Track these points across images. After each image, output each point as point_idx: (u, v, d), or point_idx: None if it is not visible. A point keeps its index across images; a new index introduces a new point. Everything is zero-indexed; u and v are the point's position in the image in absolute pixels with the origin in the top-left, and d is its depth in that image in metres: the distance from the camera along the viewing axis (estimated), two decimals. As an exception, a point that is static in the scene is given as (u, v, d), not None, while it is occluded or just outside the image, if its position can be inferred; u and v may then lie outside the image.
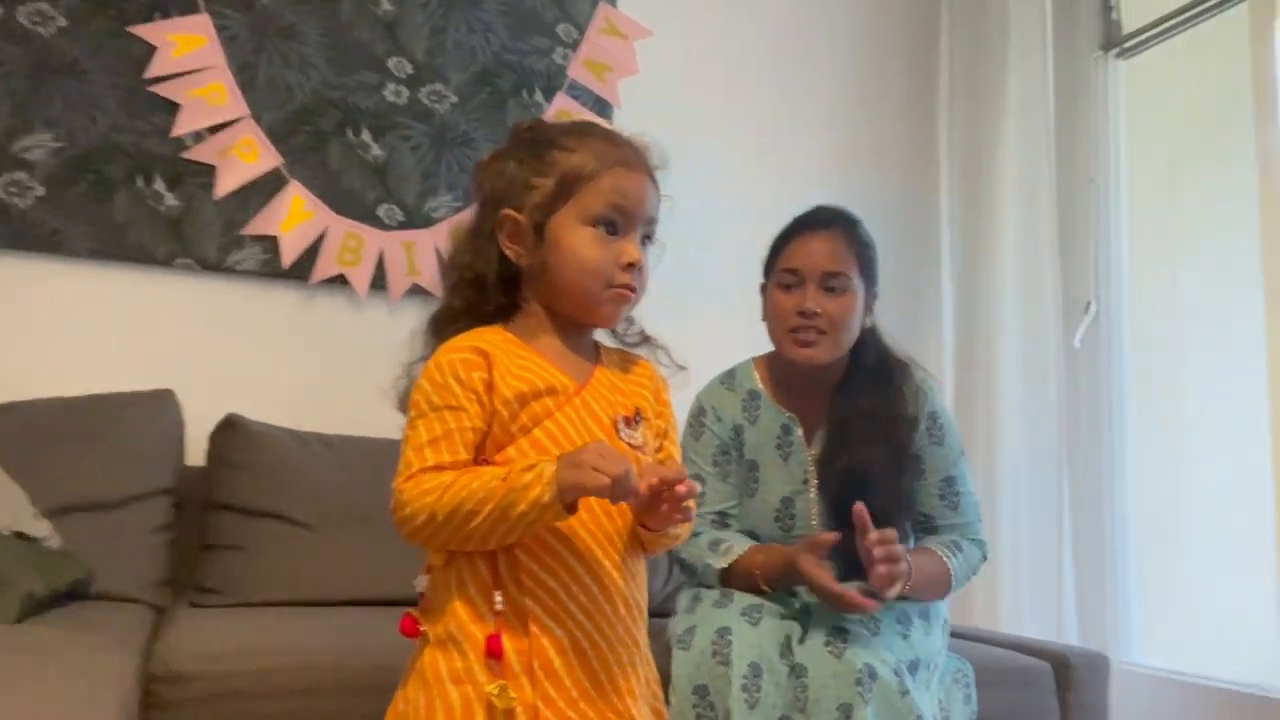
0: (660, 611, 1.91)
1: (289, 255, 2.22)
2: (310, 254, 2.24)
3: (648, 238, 1.09)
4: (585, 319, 1.09)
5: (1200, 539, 2.86)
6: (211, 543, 1.81)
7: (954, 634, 1.67)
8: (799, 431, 1.62)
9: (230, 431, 1.93)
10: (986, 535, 1.65)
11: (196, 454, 2.00)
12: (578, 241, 1.04)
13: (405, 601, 1.76)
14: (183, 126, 2.16)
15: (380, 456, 2.02)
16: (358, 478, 1.94)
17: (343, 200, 2.28)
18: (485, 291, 1.07)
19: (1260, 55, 2.88)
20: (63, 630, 1.35)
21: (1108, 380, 2.68)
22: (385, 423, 2.23)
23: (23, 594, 1.32)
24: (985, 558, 1.63)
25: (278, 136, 2.24)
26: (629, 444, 1.06)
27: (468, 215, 1.14)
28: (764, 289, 1.65)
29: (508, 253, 1.06)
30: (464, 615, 0.99)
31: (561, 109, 2.46)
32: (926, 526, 1.61)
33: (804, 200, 2.04)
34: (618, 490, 0.93)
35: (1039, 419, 2.58)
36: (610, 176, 1.04)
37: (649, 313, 1.21)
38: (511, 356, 1.04)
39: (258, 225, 2.21)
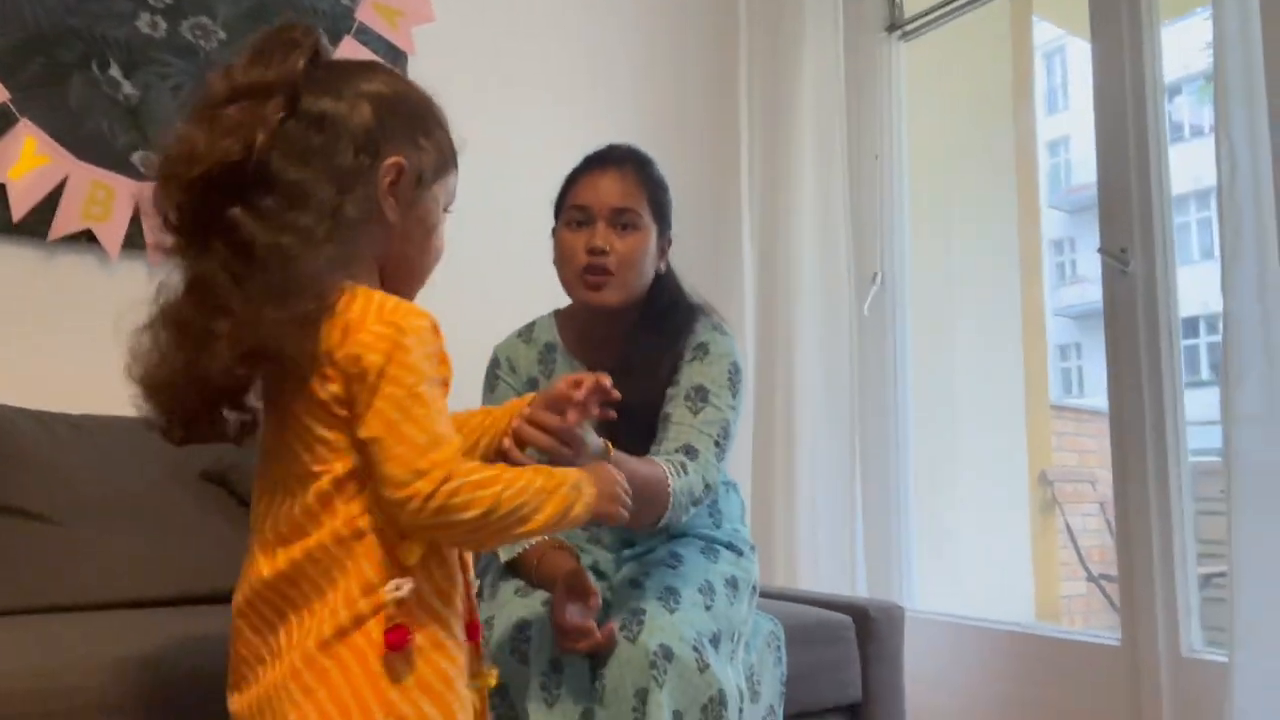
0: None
1: (20, 207, 1.90)
2: (48, 206, 1.93)
3: None
4: (404, 294, 1.01)
5: (967, 493, 3.11)
6: (-73, 545, 1.52)
7: (761, 594, 1.67)
8: None
9: (-51, 413, 1.63)
10: (718, 472, 1.43)
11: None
12: (438, 224, 1.05)
13: (174, 601, 1.58)
14: (-124, 49, 1.79)
15: (140, 438, 1.77)
16: (113, 464, 1.69)
17: (87, 144, 1.98)
18: (350, 242, 0.96)
19: (1019, 44, 3.10)
20: None
21: (892, 346, 2.83)
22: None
23: None
24: (710, 487, 1.41)
25: (4, 69, 1.90)
26: None
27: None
28: (555, 232, 1.56)
29: (384, 205, 0.98)
30: (445, 609, 0.94)
31: (351, 54, 2.26)
32: (664, 431, 1.45)
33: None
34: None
35: (833, 383, 2.69)
36: (456, 173, 1.07)
37: (451, 270, 1.20)
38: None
39: (-21, 171, 1.88)
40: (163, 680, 1.14)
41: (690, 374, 1.48)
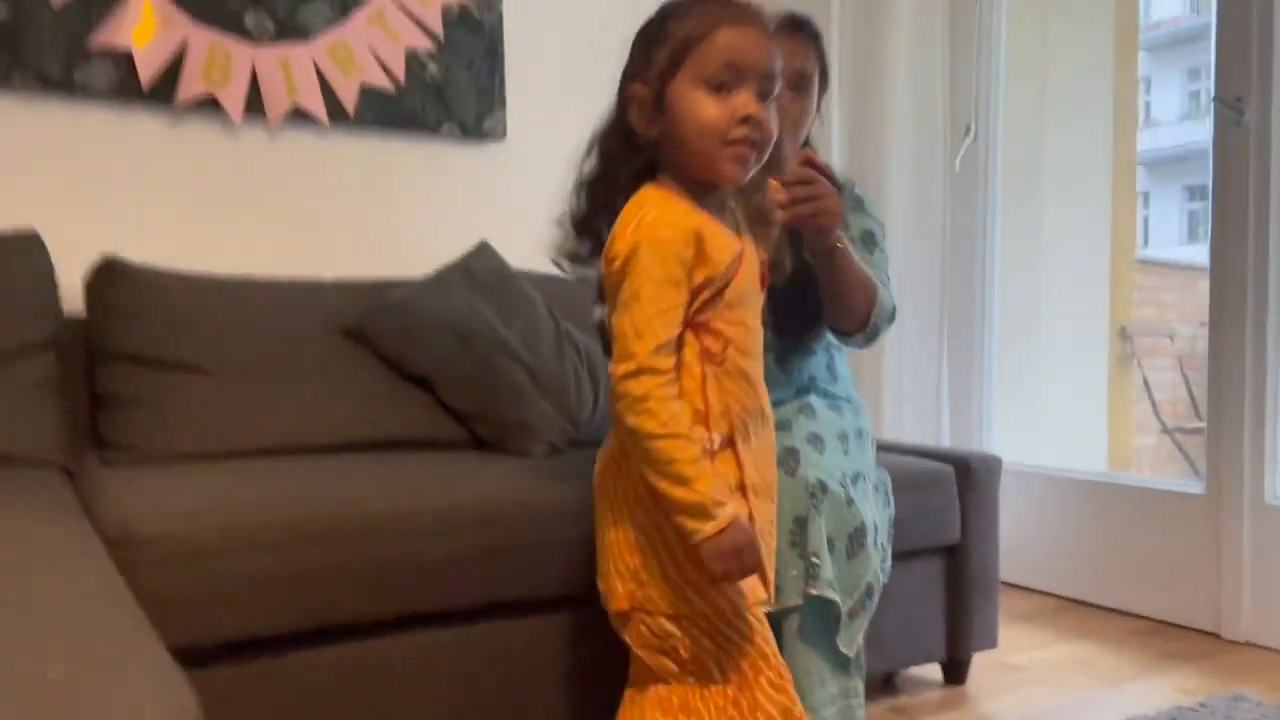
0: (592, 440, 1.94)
1: (147, 72, 1.95)
2: (171, 71, 1.98)
3: (766, 94, 1.06)
4: (711, 179, 1.07)
5: (1049, 347, 3.14)
6: (108, 397, 1.66)
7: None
8: None
9: (111, 275, 1.73)
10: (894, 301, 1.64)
11: (69, 301, 1.79)
12: (693, 103, 1.04)
13: (331, 448, 1.71)
14: (-2, -86, 1.81)
15: (282, 298, 1.89)
16: (262, 321, 1.80)
17: (203, 7, 2.00)
18: (615, 165, 1.09)
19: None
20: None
21: (982, 201, 2.80)
22: (279, 260, 2.10)
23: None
24: (895, 312, 1.63)
25: (117, -71, 1.92)
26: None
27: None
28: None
29: (635, 126, 1.06)
30: None
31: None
32: None
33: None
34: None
35: (923, 239, 2.70)
36: (719, 35, 1.03)
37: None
38: (711, 229, 1.07)
39: (106, 36, 1.91)
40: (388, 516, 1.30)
41: (856, 222, 1.66)
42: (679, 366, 1.06)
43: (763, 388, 1.17)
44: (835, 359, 1.72)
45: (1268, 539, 2.15)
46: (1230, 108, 2.19)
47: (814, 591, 1.34)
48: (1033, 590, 2.62)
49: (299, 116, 2.11)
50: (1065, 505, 2.57)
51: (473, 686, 1.35)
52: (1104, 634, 2.26)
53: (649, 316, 1.02)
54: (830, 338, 1.67)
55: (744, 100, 1.03)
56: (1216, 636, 2.22)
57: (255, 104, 2.06)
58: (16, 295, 1.66)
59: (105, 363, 1.69)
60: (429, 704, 1.31)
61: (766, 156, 1.09)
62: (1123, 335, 3.56)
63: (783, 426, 1.50)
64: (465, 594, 1.32)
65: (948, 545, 1.88)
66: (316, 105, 2.12)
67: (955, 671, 1.93)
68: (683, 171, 1.08)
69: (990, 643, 1.94)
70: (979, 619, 1.91)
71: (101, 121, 1.94)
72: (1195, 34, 13.43)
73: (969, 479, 1.90)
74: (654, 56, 1.06)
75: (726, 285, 1.07)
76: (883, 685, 1.94)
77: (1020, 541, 2.64)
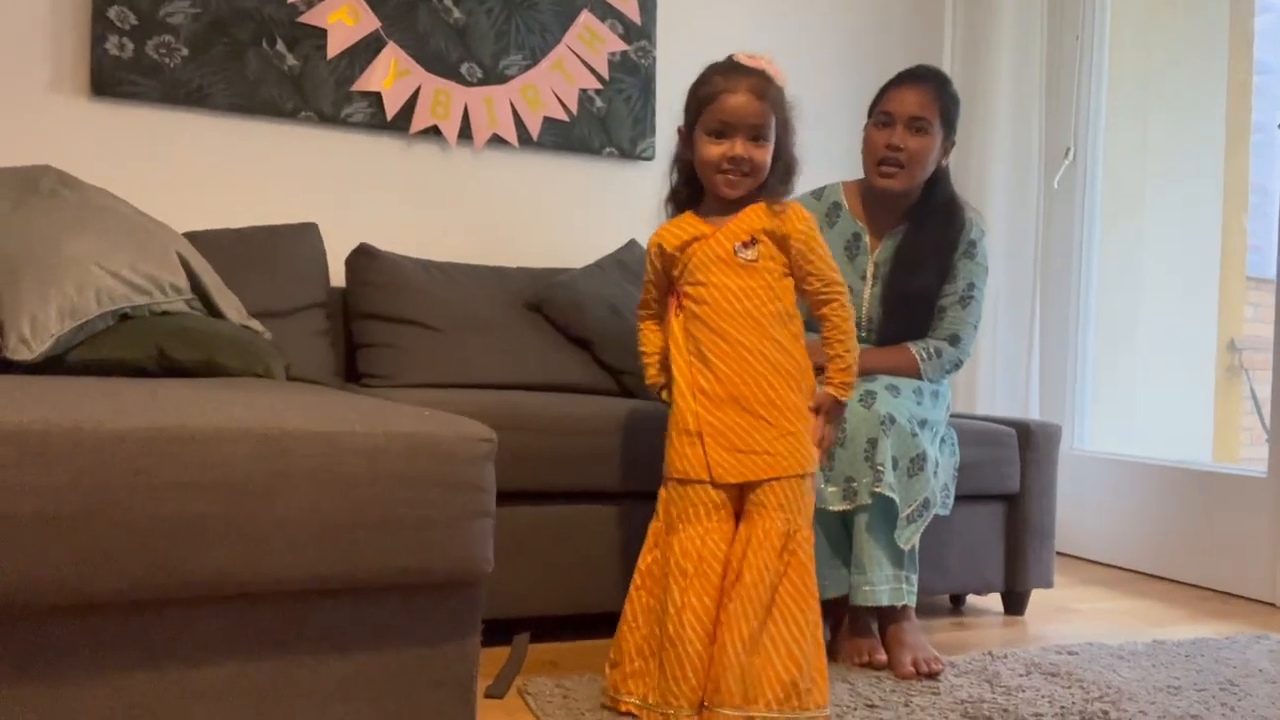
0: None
1: (391, 109, 2.59)
2: (408, 108, 2.61)
3: (756, 136, 1.52)
4: (715, 193, 1.56)
5: (1150, 356, 3.39)
6: (363, 343, 2.28)
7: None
8: (867, 239, 2.05)
9: (364, 257, 2.36)
10: (972, 347, 2.04)
11: (334, 275, 2.44)
12: (701, 144, 1.55)
13: (518, 386, 2.27)
14: (294, -7, 2.49)
15: (481, 278, 2.47)
16: (468, 294, 2.39)
17: (431, 60, 2.63)
18: (678, 185, 1.64)
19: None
20: (324, 390, 1.78)
21: (1080, 217, 3.13)
22: (480, 249, 2.70)
23: (285, 364, 1.78)
24: (963, 362, 2.03)
25: (374, 1, 2.57)
26: (742, 260, 1.54)
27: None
28: (865, 127, 2.03)
29: (681, 154, 1.60)
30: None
31: None
32: (939, 320, 2.01)
33: (824, 58, 2.65)
34: None
35: (1019, 248, 3.05)
36: (718, 100, 1.52)
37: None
38: (675, 228, 1.59)
39: (364, 82, 2.57)
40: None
41: (965, 272, 2.00)
42: (666, 314, 1.60)
43: (729, 328, 1.52)
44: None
45: (1321, 516, 2.40)
46: (1297, 131, 2.47)
47: (878, 490, 1.77)
48: (1106, 564, 2.91)
49: (497, 140, 2.71)
50: (1136, 486, 2.85)
51: (597, 539, 1.87)
52: (1164, 596, 2.54)
53: (642, 286, 1.66)
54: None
55: (731, 144, 1.51)
56: (1273, 606, 2.47)
57: (465, 131, 2.67)
58: (300, 270, 2.30)
59: (359, 320, 2.31)
60: (578, 554, 1.84)
61: (763, 175, 1.53)
62: (1231, 348, 3.71)
63: (868, 378, 1.94)
64: (606, 478, 1.85)
65: (1008, 494, 2.25)
66: (510, 132, 2.72)
67: (1014, 603, 2.29)
68: (704, 187, 1.58)
69: (1045, 582, 2.28)
70: (1034, 559, 2.26)
71: (358, 144, 2.60)
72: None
73: (1029, 440, 2.27)
74: (688, 109, 1.57)
75: (686, 262, 1.55)
76: (951, 607, 2.33)
77: (1100, 521, 2.93)
